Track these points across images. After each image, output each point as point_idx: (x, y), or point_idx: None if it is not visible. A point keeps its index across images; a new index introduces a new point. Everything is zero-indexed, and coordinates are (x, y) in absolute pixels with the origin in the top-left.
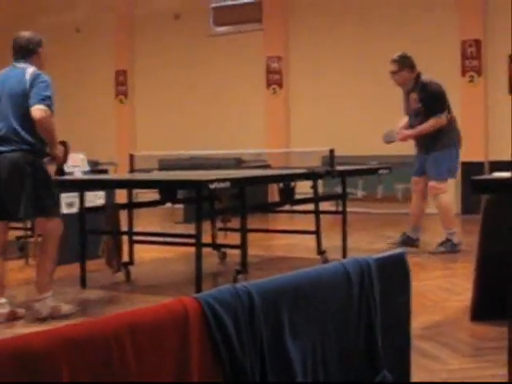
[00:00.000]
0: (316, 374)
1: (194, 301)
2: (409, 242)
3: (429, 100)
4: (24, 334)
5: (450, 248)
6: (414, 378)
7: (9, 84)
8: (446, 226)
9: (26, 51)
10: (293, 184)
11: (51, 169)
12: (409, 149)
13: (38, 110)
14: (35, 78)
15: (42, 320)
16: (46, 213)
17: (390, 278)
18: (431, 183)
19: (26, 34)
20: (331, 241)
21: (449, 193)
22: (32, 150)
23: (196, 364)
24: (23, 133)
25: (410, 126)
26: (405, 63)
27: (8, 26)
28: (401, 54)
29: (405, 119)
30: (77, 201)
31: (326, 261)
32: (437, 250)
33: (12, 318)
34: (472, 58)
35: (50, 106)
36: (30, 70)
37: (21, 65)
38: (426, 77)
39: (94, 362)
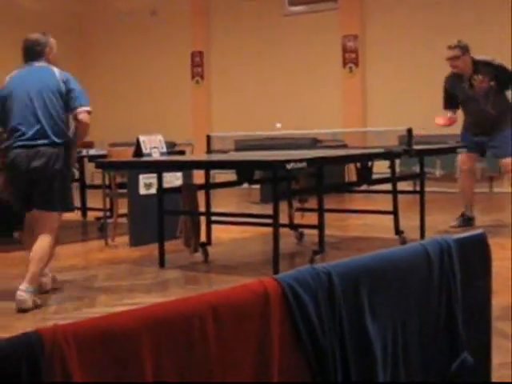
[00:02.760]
0: (396, 356)
1: (275, 281)
2: (468, 221)
3: (500, 72)
4: (109, 313)
5: None
6: (494, 360)
7: (36, 81)
8: None
9: (37, 52)
10: (370, 164)
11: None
12: None
13: (85, 113)
14: (69, 79)
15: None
16: (57, 208)
17: (471, 259)
18: (507, 160)
19: (33, 35)
20: (409, 221)
21: None
22: (62, 144)
23: (277, 345)
24: (56, 127)
25: (478, 110)
26: (465, 47)
27: (82, 12)
28: (459, 40)
29: (445, 115)
30: (155, 182)
31: (404, 241)
32: None
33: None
34: (351, 52)
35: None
36: (56, 68)
37: (38, 63)
38: (478, 56)
39: (175, 343)
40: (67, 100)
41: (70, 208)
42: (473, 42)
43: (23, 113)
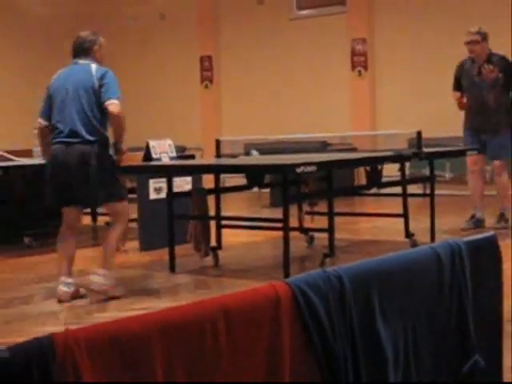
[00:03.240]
0: (407, 359)
1: (285, 285)
2: (478, 223)
3: (511, 69)
4: (120, 318)
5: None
6: (505, 362)
7: (73, 79)
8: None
9: (86, 49)
10: (380, 167)
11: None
12: None
13: (113, 105)
14: (103, 74)
15: (91, 292)
16: (113, 198)
17: (482, 262)
18: (498, 163)
19: (83, 33)
20: (419, 224)
21: None
22: (97, 141)
23: (288, 348)
24: (90, 125)
25: (479, 98)
26: (485, 35)
27: (92, 16)
28: (480, 27)
29: (455, 93)
30: (165, 186)
31: (414, 244)
32: None
33: (75, 296)
34: (359, 55)
35: (119, 98)
36: (94, 65)
37: (84, 61)
38: (496, 51)
39: (187, 347)
40: (100, 95)
41: (120, 196)
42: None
43: (61, 111)
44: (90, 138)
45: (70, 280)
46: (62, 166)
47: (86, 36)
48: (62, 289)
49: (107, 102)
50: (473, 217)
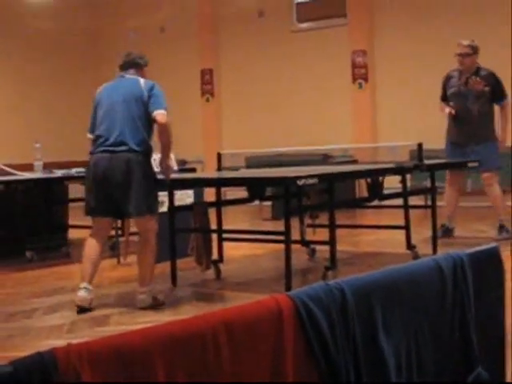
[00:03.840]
0: (410, 371)
1: (288, 298)
2: (448, 233)
3: (498, 84)
4: (122, 332)
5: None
6: (508, 374)
7: (122, 91)
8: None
9: (137, 64)
10: (381, 179)
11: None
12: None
13: (161, 115)
14: (152, 87)
15: (144, 309)
16: (152, 210)
17: (484, 273)
18: (488, 174)
19: (136, 51)
20: (421, 235)
21: None
22: (142, 151)
23: (290, 362)
24: (135, 135)
25: (464, 107)
26: (476, 48)
27: (93, 28)
28: (472, 40)
29: (443, 104)
30: (166, 200)
31: (416, 256)
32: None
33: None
34: (360, 67)
35: (166, 110)
36: (142, 79)
37: (131, 75)
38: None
39: (189, 360)
40: (149, 105)
41: (153, 211)
42: (483, 55)
43: (107, 120)
44: (136, 148)
45: (91, 287)
46: (104, 174)
47: (139, 53)
48: (83, 294)
49: (155, 112)
50: (443, 226)
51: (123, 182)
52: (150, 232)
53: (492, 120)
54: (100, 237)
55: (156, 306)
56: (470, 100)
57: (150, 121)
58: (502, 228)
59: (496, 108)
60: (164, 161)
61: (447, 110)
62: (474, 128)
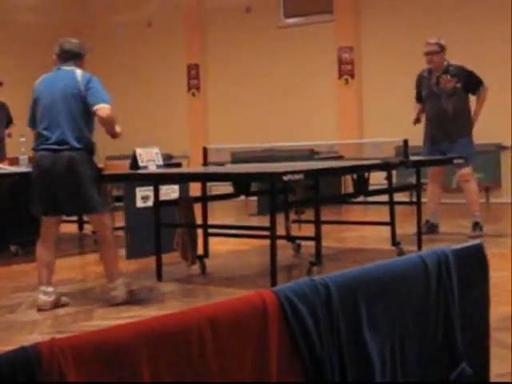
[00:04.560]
0: (394, 367)
1: (272, 294)
2: (433, 228)
3: (470, 76)
4: (107, 327)
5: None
6: (492, 370)
7: (61, 86)
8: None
9: (77, 55)
10: (367, 175)
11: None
12: (482, 138)
13: (102, 109)
14: (89, 81)
15: (120, 304)
16: (98, 209)
17: (468, 270)
18: (467, 170)
19: (75, 40)
20: (405, 232)
21: None
22: (84, 149)
23: (275, 358)
24: (76, 133)
25: (438, 107)
26: (443, 46)
27: (79, 22)
28: (439, 38)
29: (417, 105)
30: (151, 194)
31: (401, 252)
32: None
33: (57, 305)
34: (346, 63)
35: (110, 104)
36: (79, 71)
37: (68, 67)
38: (452, 61)
39: (174, 355)
40: (87, 100)
41: (104, 207)
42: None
43: (47, 118)
44: (78, 146)
45: (50, 289)
46: (48, 174)
47: (77, 43)
48: (42, 298)
49: (96, 107)
50: (427, 222)
51: (68, 180)
52: (105, 228)
53: (468, 116)
54: (49, 237)
55: (133, 299)
56: (444, 99)
57: (90, 116)
58: (476, 225)
59: (472, 99)
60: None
61: (413, 118)
62: (451, 126)
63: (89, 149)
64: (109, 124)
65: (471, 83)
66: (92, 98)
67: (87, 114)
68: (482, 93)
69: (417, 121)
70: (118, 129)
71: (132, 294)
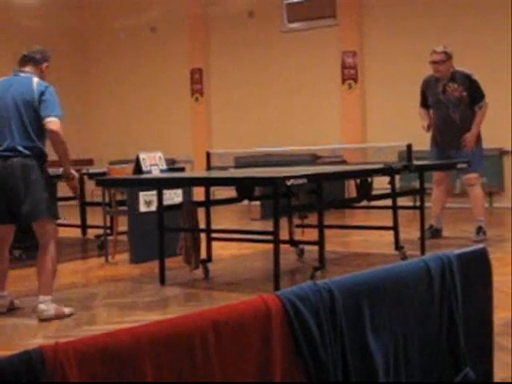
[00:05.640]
0: (398, 371)
1: (276, 298)
2: (436, 233)
3: (473, 87)
4: (110, 331)
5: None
6: (495, 375)
7: (14, 92)
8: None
9: (34, 60)
10: (370, 180)
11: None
12: (485, 143)
13: (51, 123)
14: (43, 91)
15: (45, 320)
16: (49, 214)
17: (472, 274)
18: (473, 175)
19: (39, 46)
20: (409, 236)
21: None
22: (34, 156)
23: (278, 362)
24: (27, 142)
25: (445, 116)
26: (450, 55)
27: (83, 27)
28: (445, 46)
29: (423, 111)
30: (155, 199)
31: (404, 256)
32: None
33: (10, 308)
34: (350, 68)
35: (60, 118)
36: (36, 79)
37: (25, 74)
38: (459, 68)
39: (177, 359)
40: (39, 110)
41: (50, 215)
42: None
43: (0, 124)
44: (27, 153)
45: (4, 293)
46: (0, 180)
47: (38, 48)
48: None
49: (46, 120)
50: (431, 227)
51: (18, 186)
52: (48, 236)
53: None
54: (3, 246)
55: (58, 318)
56: (451, 108)
57: (41, 126)
58: (479, 229)
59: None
60: (65, 170)
61: (424, 124)
62: (458, 136)
63: (39, 156)
64: (57, 139)
65: (473, 96)
66: (44, 110)
67: (39, 122)
68: (482, 106)
69: (429, 128)
70: (64, 145)
71: (59, 313)
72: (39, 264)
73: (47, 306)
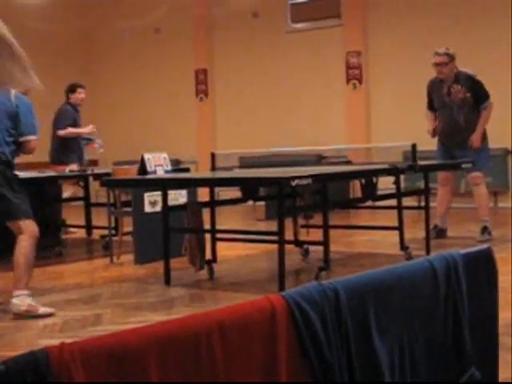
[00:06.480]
0: (403, 372)
1: (281, 298)
2: (441, 233)
3: (477, 88)
4: (115, 331)
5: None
6: (500, 375)
7: None
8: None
9: None
10: (375, 180)
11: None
12: (490, 143)
13: (33, 142)
14: (22, 103)
15: (17, 316)
16: (18, 214)
17: (477, 274)
18: (478, 174)
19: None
20: (414, 236)
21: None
22: (4, 163)
23: (284, 362)
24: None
25: (450, 118)
26: (453, 56)
27: (87, 28)
28: (447, 48)
29: (429, 114)
30: (160, 199)
31: (409, 257)
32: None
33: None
34: (354, 68)
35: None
36: (13, 92)
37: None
38: (462, 69)
39: (183, 360)
40: (17, 124)
41: (23, 214)
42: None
43: None
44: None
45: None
46: None
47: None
48: None
49: (29, 137)
50: (435, 227)
51: None
52: (22, 233)
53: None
54: None
55: (30, 315)
56: (455, 111)
57: (16, 136)
58: (484, 229)
59: None
60: None
61: (430, 129)
62: (463, 137)
63: (6, 164)
64: (30, 153)
65: (477, 97)
66: (23, 128)
67: (14, 133)
68: (487, 107)
69: (434, 133)
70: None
71: (32, 309)
72: (14, 259)
73: (20, 301)
